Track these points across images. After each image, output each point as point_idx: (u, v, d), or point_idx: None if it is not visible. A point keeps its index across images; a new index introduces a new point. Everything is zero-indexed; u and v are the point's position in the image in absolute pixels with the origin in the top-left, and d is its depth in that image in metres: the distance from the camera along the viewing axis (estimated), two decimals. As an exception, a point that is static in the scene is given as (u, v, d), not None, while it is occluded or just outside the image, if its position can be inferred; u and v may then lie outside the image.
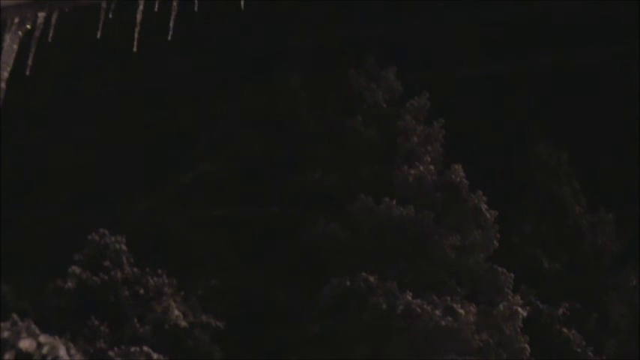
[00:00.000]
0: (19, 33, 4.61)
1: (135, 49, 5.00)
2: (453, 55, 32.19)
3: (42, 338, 19.96)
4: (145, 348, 22.53)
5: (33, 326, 20.14)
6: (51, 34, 4.69)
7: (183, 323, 24.19)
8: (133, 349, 22.52)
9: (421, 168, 27.05)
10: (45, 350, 19.77)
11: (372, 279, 24.89)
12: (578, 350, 26.96)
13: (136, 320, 23.88)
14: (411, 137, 27.89)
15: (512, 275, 26.13)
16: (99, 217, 26.73)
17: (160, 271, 25.01)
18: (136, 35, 4.82)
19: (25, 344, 19.70)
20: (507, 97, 32.09)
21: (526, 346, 25.15)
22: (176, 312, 24.27)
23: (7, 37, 4.59)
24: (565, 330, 27.27)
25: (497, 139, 31.28)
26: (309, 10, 30.78)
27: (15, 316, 20.49)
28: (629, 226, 29.98)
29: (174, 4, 4.68)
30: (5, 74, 4.59)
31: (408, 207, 26.16)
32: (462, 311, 24.61)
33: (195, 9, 4.80)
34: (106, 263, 24.55)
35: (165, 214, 29.46)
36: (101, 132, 30.18)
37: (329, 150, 28.98)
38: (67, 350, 20.31)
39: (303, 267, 27.25)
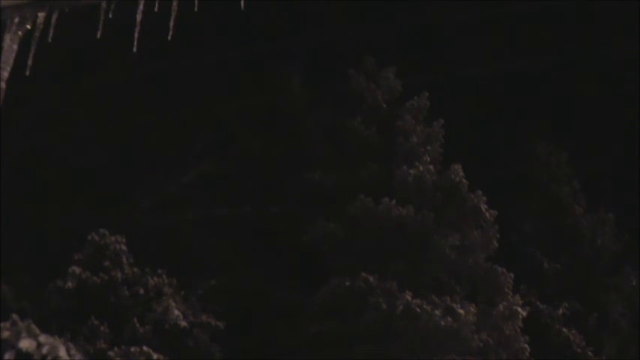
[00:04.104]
0: (19, 33, 4.62)
1: (135, 49, 5.00)
2: (453, 55, 32.19)
3: (42, 338, 19.96)
4: (145, 348, 22.53)
5: (33, 326, 20.14)
6: (51, 34, 4.69)
7: (183, 323, 24.19)
8: (133, 349, 22.52)
9: (421, 168, 27.04)
10: (45, 350, 19.77)
11: (371, 279, 24.89)
12: (578, 350, 26.95)
13: (136, 320, 23.87)
14: (410, 137, 27.87)
15: (512, 275, 26.12)
16: (99, 217, 26.73)
17: (159, 271, 25.01)
18: (136, 35, 4.82)
19: (25, 344, 19.71)
20: (507, 97, 32.08)
21: (526, 346, 25.14)
22: (176, 312, 24.27)
23: (7, 37, 4.60)
24: (565, 330, 27.26)
25: (497, 139, 31.27)
26: (309, 10, 30.79)
27: (15, 316, 20.49)
28: (629, 226, 29.97)
29: (174, 4, 4.68)
30: (5, 74, 4.59)
31: (408, 207, 26.15)
32: (461, 311, 24.60)
33: (196, 9, 4.80)
34: (106, 263, 24.55)
35: (165, 214, 29.47)
36: (101, 132, 30.18)
37: (329, 150, 28.97)
38: (67, 350, 20.32)
39: (303, 267, 27.25)
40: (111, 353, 22.54)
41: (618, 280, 29.74)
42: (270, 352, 25.75)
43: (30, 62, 4.77)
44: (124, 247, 24.95)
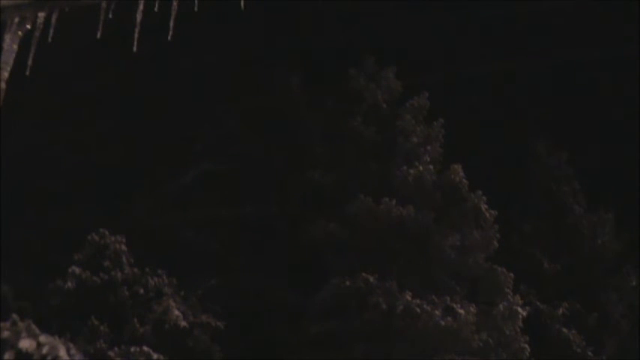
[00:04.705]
0: (19, 33, 4.62)
1: (135, 49, 5.00)
2: (453, 55, 32.19)
3: (42, 338, 19.95)
4: (145, 348, 22.53)
5: (33, 326, 20.14)
6: (51, 34, 4.69)
7: (183, 323, 24.19)
8: (133, 349, 22.52)
9: (421, 168, 27.04)
10: (45, 350, 19.76)
11: (372, 279, 24.88)
12: (578, 350, 26.96)
13: (136, 320, 23.87)
14: (410, 137, 27.88)
15: (512, 275, 26.12)
16: (99, 217, 26.73)
17: (159, 271, 25.01)
18: (136, 35, 4.82)
19: (25, 344, 19.70)
20: (507, 97, 32.09)
21: (526, 346, 25.14)
22: (176, 312, 24.26)
23: (7, 37, 4.60)
24: (565, 330, 27.26)
25: (498, 139, 31.27)
26: (309, 10, 30.78)
27: (15, 316, 20.49)
28: (629, 226, 29.97)
29: (174, 4, 4.68)
30: (5, 74, 4.59)
31: (408, 207, 26.15)
32: (461, 311, 24.61)
33: (195, 9, 4.81)
34: (106, 263, 24.55)
35: (165, 214, 29.47)
36: (101, 132, 30.17)
37: (329, 150, 28.97)
38: (67, 350, 20.31)
39: (303, 267, 27.25)
40: (111, 353, 22.54)
41: (618, 280, 29.75)
42: (270, 352, 25.75)
43: (30, 62, 4.77)
44: (124, 247, 24.94)
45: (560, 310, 27.88)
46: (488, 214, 26.67)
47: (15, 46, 4.60)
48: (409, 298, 24.54)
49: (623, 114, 30.51)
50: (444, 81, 30.20)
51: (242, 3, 5.13)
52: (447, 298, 25.04)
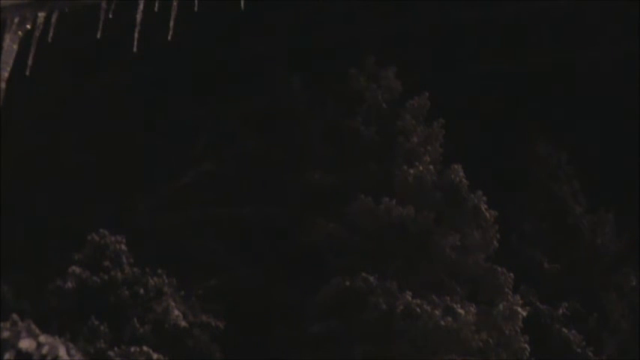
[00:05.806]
0: (19, 33, 4.61)
1: (135, 49, 5.00)
2: (453, 55, 32.19)
3: (42, 338, 19.96)
4: (145, 348, 22.54)
5: (33, 326, 20.15)
6: (51, 34, 4.69)
7: (183, 323, 24.20)
8: (133, 349, 22.52)
9: (421, 168, 27.05)
10: (45, 350, 19.77)
11: (371, 279, 24.89)
12: (578, 350, 26.96)
13: (136, 320, 23.88)
14: (410, 137, 27.88)
15: (512, 275, 26.13)
16: (99, 217, 26.73)
17: (159, 271, 25.01)
18: (136, 35, 4.82)
19: (25, 344, 19.71)
20: (507, 97, 32.08)
21: (526, 346, 25.15)
22: (176, 312, 24.27)
23: (7, 37, 4.60)
24: (565, 330, 27.27)
25: (498, 139, 31.27)
26: (309, 10, 30.78)
27: (15, 316, 20.50)
28: (629, 226, 29.97)
29: (174, 4, 4.68)
30: (5, 74, 4.59)
31: (408, 207, 26.15)
32: (461, 311, 24.61)
33: (196, 9, 4.80)
34: (106, 263, 24.55)
35: (165, 214, 29.47)
36: (101, 132, 30.17)
37: (329, 150, 28.98)
38: (67, 350, 20.32)
39: (303, 267, 27.25)
40: (111, 353, 22.54)
41: (618, 280, 29.75)
42: (270, 352, 25.75)
43: (30, 62, 4.77)
44: (124, 247, 24.95)
45: (560, 310, 27.88)
46: (488, 214, 26.68)
47: (15, 46, 4.59)
48: (409, 298, 24.54)
49: (623, 114, 30.50)
50: (444, 81, 30.20)
51: (242, 3, 5.13)
52: (447, 298, 25.04)
